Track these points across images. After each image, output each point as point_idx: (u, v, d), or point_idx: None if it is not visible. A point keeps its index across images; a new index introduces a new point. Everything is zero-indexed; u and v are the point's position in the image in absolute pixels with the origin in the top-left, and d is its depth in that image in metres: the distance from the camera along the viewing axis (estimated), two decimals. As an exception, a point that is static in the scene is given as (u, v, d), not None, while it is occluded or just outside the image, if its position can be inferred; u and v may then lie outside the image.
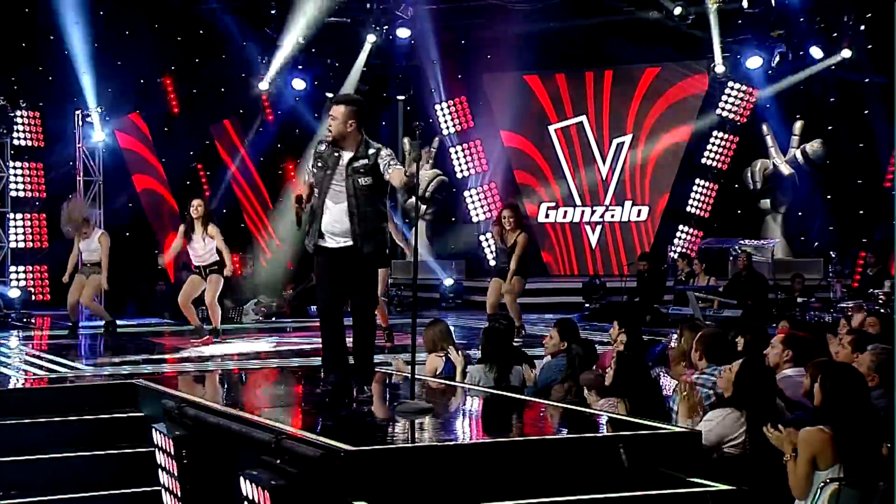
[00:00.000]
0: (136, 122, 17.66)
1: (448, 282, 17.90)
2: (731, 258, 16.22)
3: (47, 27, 16.07)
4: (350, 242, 6.39)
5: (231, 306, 14.82)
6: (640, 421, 5.70)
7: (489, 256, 18.26)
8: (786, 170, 17.79)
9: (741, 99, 17.95)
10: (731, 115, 18.06)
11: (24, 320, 14.50)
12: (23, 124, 16.15)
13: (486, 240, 18.55)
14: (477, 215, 19.33)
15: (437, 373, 7.85)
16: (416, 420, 5.84)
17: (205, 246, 11.14)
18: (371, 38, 17.74)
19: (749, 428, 5.52)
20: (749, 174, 18.15)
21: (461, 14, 18.25)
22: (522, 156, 19.46)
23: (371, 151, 6.40)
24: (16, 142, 16.06)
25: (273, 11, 17.24)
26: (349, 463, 4.75)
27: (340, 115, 6.41)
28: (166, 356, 10.87)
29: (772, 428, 5.24)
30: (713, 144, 18.26)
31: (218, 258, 11.19)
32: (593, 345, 7.57)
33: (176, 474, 6.14)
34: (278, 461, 4.99)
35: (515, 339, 10.58)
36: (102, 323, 12.17)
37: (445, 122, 19.34)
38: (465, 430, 6.27)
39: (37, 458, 6.84)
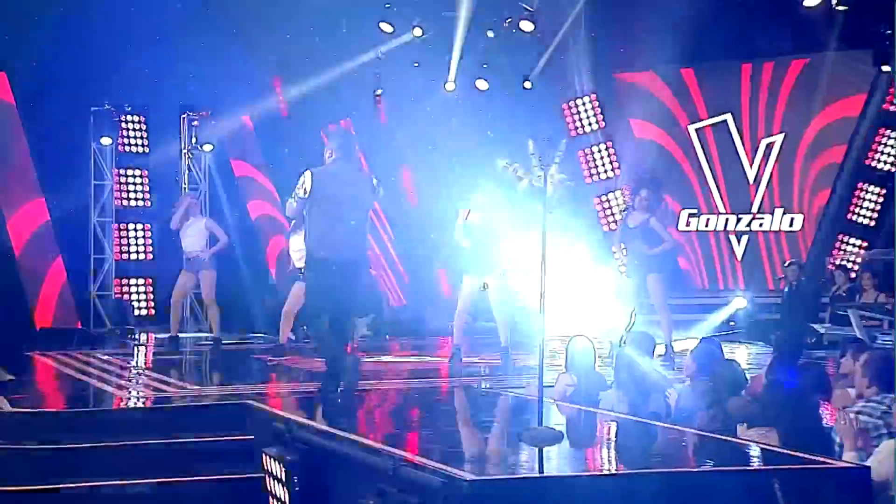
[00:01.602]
0: (242, 126, 18.14)
1: None
2: (901, 272, 15.67)
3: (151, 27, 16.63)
4: None
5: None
6: (797, 454, 5.56)
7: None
8: (966, 172, 17.11)
9: (914, 93, 17.38)
10: (902, 112, 17.49)
11: (129, 336, 15.00)
12: (127, 129, 16.78)
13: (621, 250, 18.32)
14: (607, 223, 19.17)
15: (567, 395, 7.82)
16: (543, 448, 5.82)
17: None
18: (489, 33, 17.81)
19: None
20: (923, 177, 17.53)
21: (591, 6, 18.14)
22: (658, 159, 19.20)
23: None
24: (120, 147, 16.67)
25: (388, 6, 17.47)
26: (472, 493, 4.76)
27: None
28: (276, 375, 11.08)
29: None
30: (880, 144, 17.69)
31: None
32: (740, 368, 7.43)
33: (287, 502, 6.25)
34: (397, 490, 5.04)
35: (663, 361, 10.45)
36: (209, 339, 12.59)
37: (574, 122, 19.26)
38: (598, 460, 6.22)
39: (143, 481, 7.02)
